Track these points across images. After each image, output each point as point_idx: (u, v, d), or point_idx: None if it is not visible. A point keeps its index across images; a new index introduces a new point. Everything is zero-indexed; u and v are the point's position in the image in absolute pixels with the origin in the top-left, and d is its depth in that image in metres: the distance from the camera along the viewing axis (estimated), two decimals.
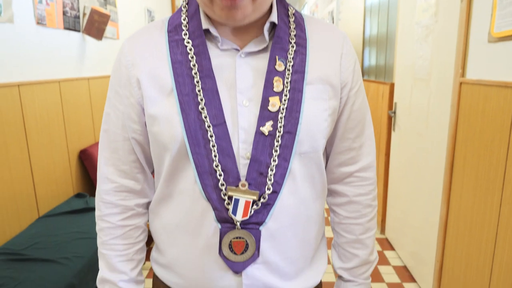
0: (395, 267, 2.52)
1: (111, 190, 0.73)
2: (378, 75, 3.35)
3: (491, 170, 1.54)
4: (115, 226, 0.73)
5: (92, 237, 1.99)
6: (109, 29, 3.09)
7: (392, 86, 2.74)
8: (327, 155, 0.79)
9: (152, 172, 0.78)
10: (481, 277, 1.63)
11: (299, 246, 0.71)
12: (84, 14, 2.67)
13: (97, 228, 0.75)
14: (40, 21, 2.21)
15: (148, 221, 0.79)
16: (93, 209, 2.34)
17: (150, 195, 0.77)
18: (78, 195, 2.57)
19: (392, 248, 2.76)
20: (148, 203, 0.78)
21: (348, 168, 0.77)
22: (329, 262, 0.84)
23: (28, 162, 2.15)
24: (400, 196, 2.63)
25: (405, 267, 2.51)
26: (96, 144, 2.82)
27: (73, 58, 2.64)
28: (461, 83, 1.77)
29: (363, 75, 3.80)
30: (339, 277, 0.85)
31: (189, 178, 0.66)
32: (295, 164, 0.67)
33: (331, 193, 0.82)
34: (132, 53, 0.68)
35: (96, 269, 1.89)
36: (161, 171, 0.70)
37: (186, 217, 0.68)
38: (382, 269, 2.49)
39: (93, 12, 2.66)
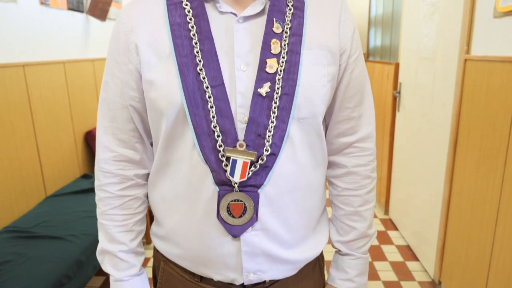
0: (398, 247, 2.54)
1: (109, 159, 0.73)
2: (383, 56, 3.32)
3: (494, 146, 1.54)
4: (113, 196, 0.74)
5: None
6: (113, 10, 3.08)
7: (397, 66, 2.71)
8: (326, 125, 0.79)
9: (152, 144, 0.79)
10: (482, 253, 1.64)
11: (299, 214, 0.71)
12: None
13: (96, 198, 0.75)
14: (43, 1, 2.21)
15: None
16: None
17: (149, 166, 0.78)
18: (84, 176, 2.61)
19: (396, 228, 2.78)
20: (148, 175, 0.78)
21: (347, 139, 0.77)
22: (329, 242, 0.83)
23: (34, 143, 2.18)
24: (404, 177, 2.63)
25: (408, 247, 2.53)
26: None
27: (77, 39, 2.65)
28: (466, 60, 1.75)
29: (368, 56, 3.76)
30: (337, 251, 0.84)
31: (187, 143, 0.66)
32: (294, 129, 0.67)
33: (330, 165, 0.81)
34: (130, 19, 0.68)
35: None
36: (158, 139, 0.70)
37: (184, 185, 0.68)
38: (386, 248, 2.51)
39: None
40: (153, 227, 0.80)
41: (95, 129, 2.74)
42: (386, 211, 3.00)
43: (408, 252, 2.47)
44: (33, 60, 2.16)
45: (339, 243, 0.82)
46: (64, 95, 2.46)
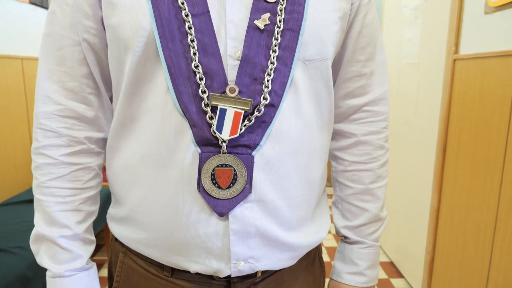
0: (381, 263, 2.40)
1: (53, 113, 0.56)
2: None
3: (490, 147, 1.45)
4: (56, 163, 0.56)
5: None
6: None
7: None
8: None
9: (112, 99, 0.62)
10: (480, 264, 1.52)
11: (301, 186, 0.56)
12: None
13: (33, 165, 0.58)
14: None
15: (104, 165, 0.63)
16: None
17: (106, 129, 0.61)
18: None
19: None
20: (104, 141, 0.62)
21: (357, 100, 0.64)
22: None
23: None
24: (386, 191, 2.52)
25: (391, 263, 2.40)
26: None
27: (39, 36, 2.43)
28: (454, 60, 1.68)
29: None
30: (343, 240, 0.70)
31: (159, 87, 0.50)
32: (299, 73, 0.53)
33: (333, 135, 0.68)
34: None
35: None
36: (121, 84, 0.54)
37: (154, 143, 0.52)
38: None
39: None
40: (110, 210, 0.63)
41: None
42: None
43: (392, 269, 2.33)
44: None
45: (346, 229, 0.68)
46: (21, 93, 2.23)
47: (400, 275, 2.26)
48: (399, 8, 2.30)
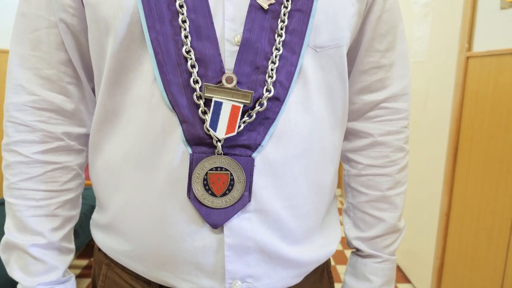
0: None
1: (26, 105, 0.49)
2: None
3: (504, 149, 1.38)
4: (29, 161, 0.50)
5: None
6: None
7: None
8: None
9: (94, 90, 0.55)
10: (492, 272, 1.45)
11: (310, 191, 0.50)
12: None
13: (3, 164, 0.52)
14: None
15: (86, 163, 0.57)
16: None
17: (88, 123, 0.55)
18: None
19: None
20: (86, 137, 0.55)
21: (374, 96, 0.57)
22: None
23: None
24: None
25: (398, 267, 2.33)
26: None
27: None
28: (467, 58, 1.61)
29: None
30: (354, 252, 0.64)
31: (144, 76, 0.44)
32: (308, 62, 0.46)
33: (347, 135, 0.61)
34: None
35: None
36: (102, 72, 0.48)
37: (139, 141, 0.46)
38: None
39: None
40: (94, 215, 0.57)
41: None
42: None
43: (398, 273, 2.26)
44: None
45: (359, 241, 0.61)
46: None
47: (407, 280, 2.19)
48: (408, 5, 2.24)
